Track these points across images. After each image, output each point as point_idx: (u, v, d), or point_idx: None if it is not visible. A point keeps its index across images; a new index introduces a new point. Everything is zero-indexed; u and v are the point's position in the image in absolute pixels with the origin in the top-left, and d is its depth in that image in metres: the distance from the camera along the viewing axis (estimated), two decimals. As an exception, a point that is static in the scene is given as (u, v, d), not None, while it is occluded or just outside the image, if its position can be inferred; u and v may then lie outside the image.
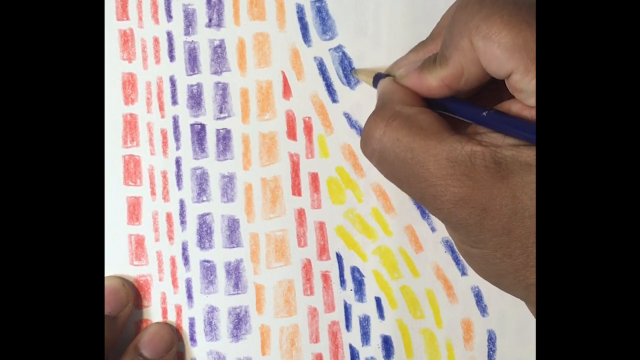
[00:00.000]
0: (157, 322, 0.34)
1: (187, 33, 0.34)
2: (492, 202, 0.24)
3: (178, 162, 0.34)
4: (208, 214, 0.34)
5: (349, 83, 0.34)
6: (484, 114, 0.26)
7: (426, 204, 0.27)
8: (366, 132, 0.28)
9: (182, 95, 0.34)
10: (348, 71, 0.34)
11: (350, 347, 0.34)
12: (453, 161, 0.25)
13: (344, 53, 0.34)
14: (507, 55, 0.24)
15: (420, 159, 0.26)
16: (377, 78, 0.32)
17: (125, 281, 0.34)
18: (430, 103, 0.28)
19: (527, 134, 0.25)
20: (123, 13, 0.34)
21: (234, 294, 0.34)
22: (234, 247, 0.34)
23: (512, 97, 0.26)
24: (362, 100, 0.34)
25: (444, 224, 0.27)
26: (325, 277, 0.34)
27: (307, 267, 0.34)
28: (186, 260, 0.34)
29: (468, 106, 0.27)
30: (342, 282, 0.34)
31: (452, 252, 0.34)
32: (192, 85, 0.34)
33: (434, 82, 0.27)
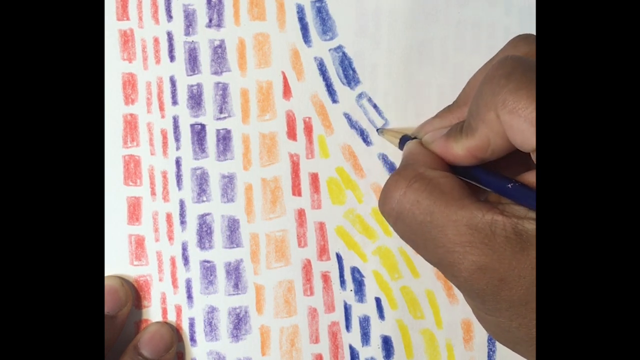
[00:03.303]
0: (157, 322, 0.34)
1: (187, 33, 0.34)
2: (510, 273, 0.24)
3: (178, 162, 0.34)
4: (208, 214, 0.34)
5: (349, 83, 0.34)
6: (509, 186, 0.26)
7: (443, 269, 0.26)
8: (386, 190, 0.27)
9: (182, 95, 0.34)
10: (348, 71, 0.34)
11: (350, 347, 0.34)
12: (473, 228, 0.25)
13: (344, 53, 0.34)
14: (534, 130, 0.24)
15: (439, 223, 0.26)
16: (403, 140, 0.31)
17: (124, 281, 0.34)
18: (455, 169, 0.28)
19: None
20: (123, 13, 0.34)
21: (234, 294, 0.34)
22: (234, 247, 0.34)
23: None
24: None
25: (460, 290, 0.27)
26: (325, 278, 0.34)
27: (307, 268, 0.34)
28: (186, 260, 0.34)
29: (493, 176, 0.27)
30: (342, 282, 0.34)
31: (452, 252, 0.34)
32: (192, 86, 0.34)
33: (460, 151, 0.27)
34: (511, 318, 0.25)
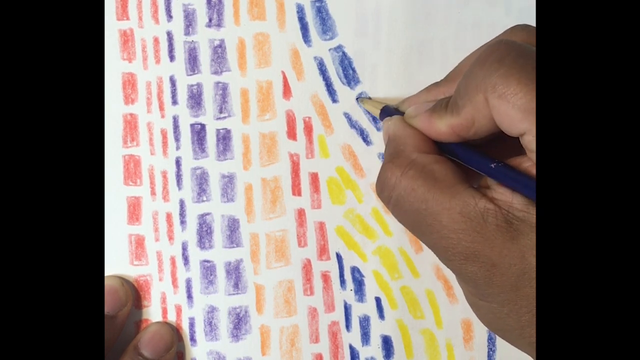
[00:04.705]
0: (157, 322, 0.34)
1: (187, 33, 0.34)
2: (501, 259, 0.25)
3: (178, 162, 0.34)
4: (208, 214, 0.34)
5: (349, 83, 0.34)
6: (492, 165, 0.26)
7: (438, 254, 0.27)
8: (382, 179, 0.28)
9: (182, 95, 0.34)
10: (348, 71, 0.34)
11: (350, 347, 0.34)
12: (466, 216, 0.25)
13: (344, 53, 0.34)
14: (522, 116, 0.24)
15: (433, 211, 0.26)
16: (384, 112, 0.31)
17: (124, 281, 0.34)
18: (440, 146, 0.28)
19: (531, 193, 0.25)
20: (123, 13, 0.34)
21: (234, 294, 0.34)
22: (234, 247, 0.34)
23: (524, 152, 0.26)
24: (362, 100, 0.34)
25: (455, 274, 0.27)
26: (325, 277, 0.34)
27: (307, 267, 0.34)
28: (186, 260, 0.34)
29: (477, 155, 0.27)
30: (342, 282, 0.34)
31: (452, 252, 0.34)
32: (192, 85, 0.34)
33: (443, 127, 0.27)
34: (502, 304, 0.25)
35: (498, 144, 0.27)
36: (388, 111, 0.31)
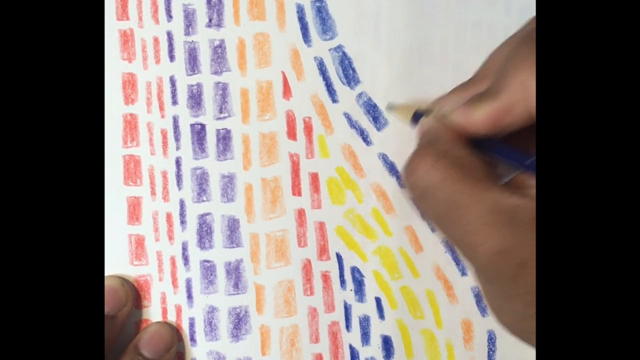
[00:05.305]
0: (157, 322, 0.34)
1: (187, 33, 0.34)
2: (530, 257, 0.24)
3: (178, 162, 0.34)
4: (208, 214, 0.34)
5: (349, 83, 0.34)
6: (527, 163, 0.26)
7: (463, 250, 0.26)
8: (411, 166, 0.27)
9: (182, 95, 0.34)
10: (348, 71, 0.34)
11: (350, 347, 0.34)
12: (496, 211, 0.25)
13: (344, 53, 0.34)
14: None
15: (464, 203, 0.25)
16: (416, 116, 0.31)
17: (124, 281, 0.34)
18: (475, 144, 0.28)
19: None
20: (123, 13, 0.34)
21: (234, 294, 0.34)
22: (234, 247, 0.34)
23: None
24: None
25: (478, 275, 0.27)
26: (325, 277, 0.34)
27: (307, 267, 0.34)
28: (186, 260, 0.34)
29: (512, 151, 0.27)
30: (342, 282, 0.34)
31: (452, 252, 0.34)
32: (192, 85, 0.34)
33: (481, 116, 0.27)
34: (529, 304, 0.25)
35: (532, 141, 0.27)
36: (420, 115, 0.31)
